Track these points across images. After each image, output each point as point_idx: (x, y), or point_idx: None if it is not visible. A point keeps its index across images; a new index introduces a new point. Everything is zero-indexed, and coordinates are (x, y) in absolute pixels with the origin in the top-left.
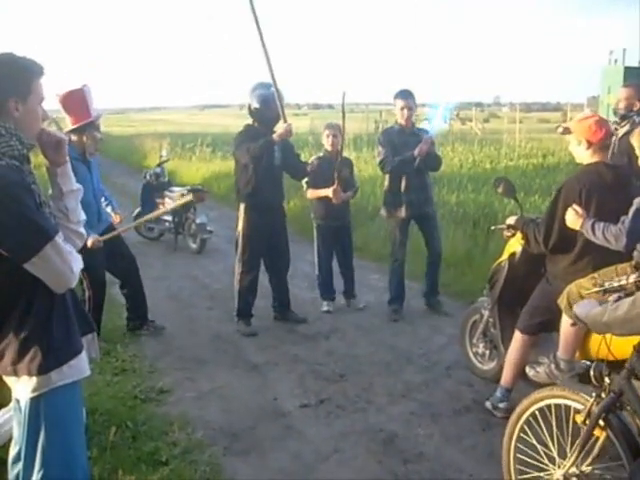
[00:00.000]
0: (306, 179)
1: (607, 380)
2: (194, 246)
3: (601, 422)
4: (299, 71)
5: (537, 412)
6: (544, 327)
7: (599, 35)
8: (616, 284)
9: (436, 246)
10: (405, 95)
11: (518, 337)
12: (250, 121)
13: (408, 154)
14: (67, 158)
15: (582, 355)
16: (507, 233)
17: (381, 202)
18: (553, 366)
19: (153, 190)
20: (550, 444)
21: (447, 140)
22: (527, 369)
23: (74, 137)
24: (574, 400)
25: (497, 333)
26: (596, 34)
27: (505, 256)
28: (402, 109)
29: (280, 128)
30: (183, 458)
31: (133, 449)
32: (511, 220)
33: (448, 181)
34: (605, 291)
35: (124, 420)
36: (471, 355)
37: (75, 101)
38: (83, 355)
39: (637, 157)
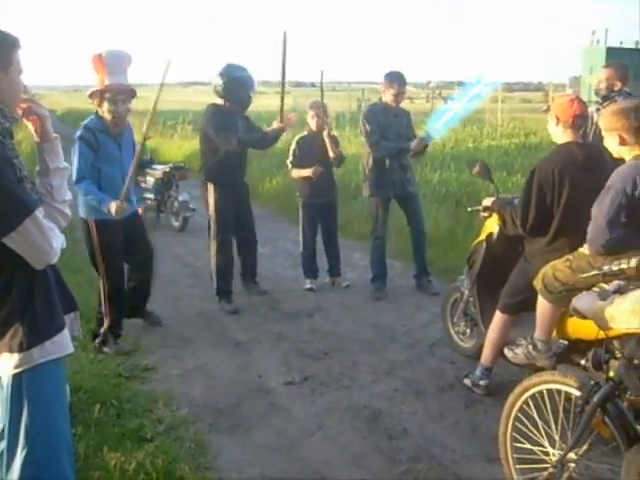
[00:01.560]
0: (290, 158)
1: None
2: (176, 224)
3: (599, 410)
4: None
5: (533, 397)
6: (524, 306)
7: (582, 15)
8: (615, 268)
9: (419, 225)
10: (402, 81)
11: (498, 316)
12: (218, 101)
13: (405, 145)
14: (52, 135)
15: (559, 335)
16: (483, 214)
17: (362, 181)
18: (531, 347)
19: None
20: (547, 430)
21: (428, 118)
22: (505, 350)
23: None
24: (571, 386)
25: (477, 312)
26: (579, 14)
27: (483, 236)
28: (396, 95)
29: (289, 120)
30: (168, 435)
31: (118, 426)
32: (487, 201)
33: (430, 160)
34: (604, 275)
35: (108, 398)
36: (453, 333)
37: (97, 63)
38: (66, 332)
39: (602, 137)
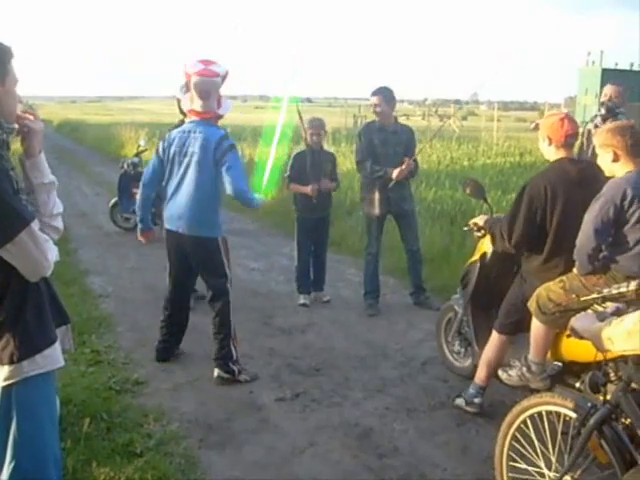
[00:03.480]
0: (287, 172)
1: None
2: None
3: (596, 432)
4: (278, 64)
5: (531, 417)
6: (521, 326)
7: (578, 36)
8: (615, 292)
9: (412, 243)
10: (375, 92)
11: (495, 337)
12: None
13: (388, 170)
14: (37, 150)
15: (553, 357)
16: (477, 233)
17: (359, 197)
18: (525, 369)
19: (130, 180)
20: (544, 451)
21: (425, 137)
22: (499, 372)
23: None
24: (568, 408)
25: (471, 332)
26: (575, 35)
27: (477, 256)
28: (374, 107)
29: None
30: (158, 450)
31: (107, 440)
32: (480, 219)
33: (426, 177)
34: (604, 299)
35: (99, 411)
36: (447, 352)
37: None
38: (57, 346)
39: (597, 155)
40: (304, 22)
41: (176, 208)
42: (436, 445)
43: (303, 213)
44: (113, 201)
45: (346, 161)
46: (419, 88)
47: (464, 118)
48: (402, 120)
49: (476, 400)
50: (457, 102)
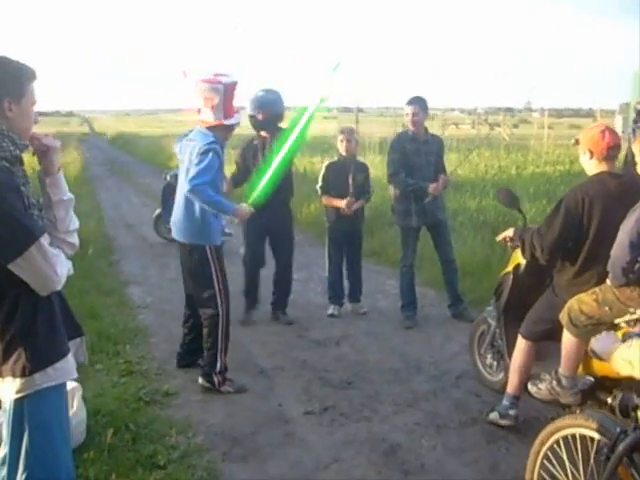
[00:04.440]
0: (320, 184)
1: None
2: None
3: (625, 459)
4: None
5: (564, 438)
6: (547, 335)
7: (633, 39)
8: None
9: (447, 253)
10: (411, 102)
11: (521, 342)
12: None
13: (424, 184)
14: (58, 167)
15: (585, 371)
16: (511, 244)
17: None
18: (555, 382)
19: (173, 191)
20: (575, 474)
21: (473, 145)
22: (529, 385)
23: (217, 131)
24: (597, 432)
25: (503, 344)
26: (633, 37)
27: (510, 267)
28: (408, 115)
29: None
30: (181, 462)
31: (132, 451)
32: (509, 232)
33: (471, 186)
34: (637, 321)
35: (126, 422)
36: (479, 365)
37: (233, 94)
38: (69, 358)
39: (636, 163)
40: (350, 29)
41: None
42: (464, 463)
43: (333, 224)
44: (157, 212)
45: None
46: (471, 96)
47: (515, 126)
48: (451, 129)
49: (511, 412)
50: (509, 110)
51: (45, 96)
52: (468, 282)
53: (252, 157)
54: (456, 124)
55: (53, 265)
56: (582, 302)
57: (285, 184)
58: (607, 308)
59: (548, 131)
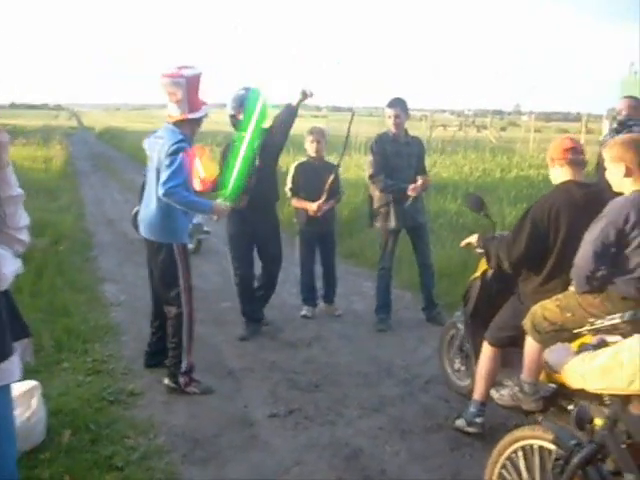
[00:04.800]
0: (289, 185)
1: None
2: (190, 246)
3: (580, 472)
4: (321, 72)
5: (522, 448)
6: (512, 341)
7: (622, 46)
8: (607, 323)
9: (425, 257)
10: (392, 104)
11: (487, 349)
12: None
13: (403, 186)
14: (6, 162)
15: (547, 378)
16: (479, 250)
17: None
18: (517, 389)
19: None
20: None
21: (459, 147)
22: (492, 392)
23: (184, 126)
24: (552, 443)
25: (471, 349)
26: (621, 44)
27: (478, 273)
28: (390, 118)
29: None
30: (140, 464)
31: (91, 452)
32: (472, 238)
33: (454, 189)
34: (597, 331)
35: (87, 422)
36: (448, 370)
37: (197, 87)
38: (14, 359)
39: (606, 169)
40: (342, 31)
41: (141, 212)
42: (426, 469)
43: (305, 227)
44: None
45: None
46: (461, 98)
47: (503, 129)
48: (438, 130)
49: (477, 420)
50: (498, 112)
51: (34, 89)
52: (445, 285)
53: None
54: (444, 126)
55: None
56: (545, 308)
57: (269, 187)
58: (569, 314)
59: (535, 135)
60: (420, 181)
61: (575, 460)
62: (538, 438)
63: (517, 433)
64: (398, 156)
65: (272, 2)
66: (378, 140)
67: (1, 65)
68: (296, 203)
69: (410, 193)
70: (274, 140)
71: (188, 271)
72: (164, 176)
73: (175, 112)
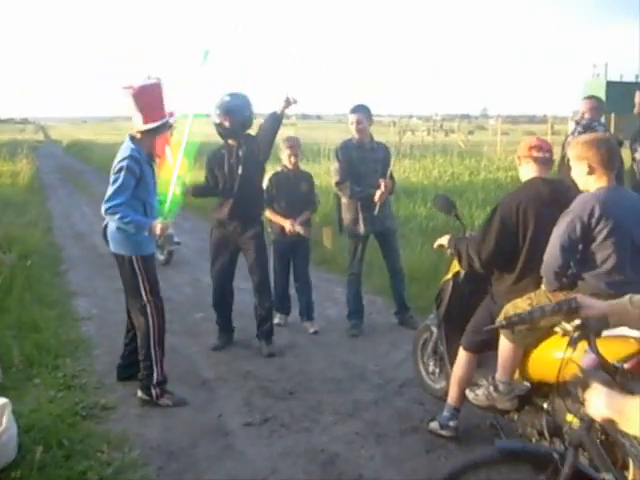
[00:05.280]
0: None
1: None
2: (161, 257)
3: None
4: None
5: None
6: (488, 345)
7: (588, 48)
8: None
9: (395, 262)
10: (355, 110)
11: (462, 354)
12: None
13: (371, 191)
14: None
15: (522, 376)
16: (450, 251)
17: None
18: (492, 388)
19: None
20: None
21: (428, 151)
22: (467, 392)
23: (140, 137)
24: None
25: (444, 351)
26: (582, 47)
27: (450, 274)
28: (352, 124)
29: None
30: (115, 478)
31: (64, 468)
32: (443, 239)
33: (423, 193)
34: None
35: (60, 438)
36: (423, 373)
37: (151, 98)
38: None
39: (571, 167)
40: (319, 34)
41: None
42: (402, 472)
43: (279, 238)
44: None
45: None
46: (429, 103)
47: (470, 132)
48: (407, 136)
49: (451, 423)
50: (466, 117)
51: None
52: (416, 289)
53: (218, 166)
54: (412, 131)
55: None
56: (517, 307)
57: (253, 196)
58: None
59: (502, 137)
60: (382, 186)
61: (566, 469)
62: None
63: None
64: (364, 162)
65: (272, 2)
66: (343, 147)
67: None
68: (270, 216)
69: (376, 200)
70: (259, 148)
71: (151, 283)
72: (107, 193)
73: (134, 124)
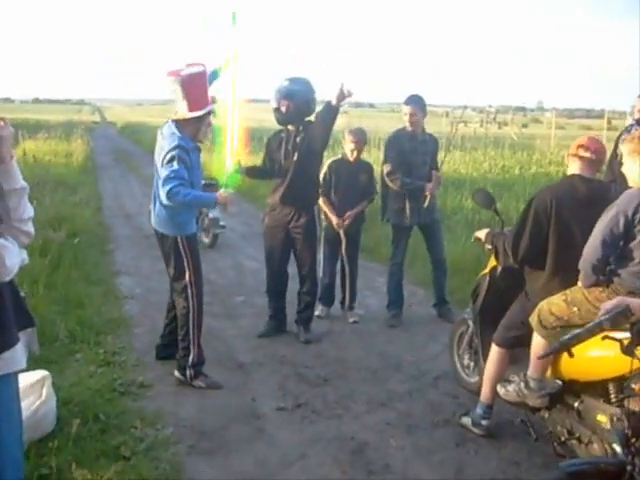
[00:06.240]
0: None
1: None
2: (206, 240)
3: None
4: (343, 68)
5: None
6: (520, 341)
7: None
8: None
9: (438, 253)
10: (409, 101)
11: (494, 350)
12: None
13: (420, 184)
14: (10, 155)
15: (554, 374)
16: (488, 246)
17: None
18: (522, 385)
19: None
20: None
21: (480, 143)
22: (498, 387)
23: (184, 123)
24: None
25: (479, 346)
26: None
27: (487, 269)
28: (406, 115)
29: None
30: (146, 454)
31: (100, 442)
32: (481, 233)
33: (470, 185)
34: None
35: (97, 412)
36: (458, 367)
37: (197, 85)
38: (18, 347)
39: (622, 164)
40: (362, 26)
41: (152, 205)
42: (430, 464)
43: (330, 228)
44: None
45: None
46: (485, 94)
47: (525, 125)
48: (460, 127)
49: (483, 422)
50: (521, 109)
51: (57, 84)
52: (457, 281)
53: (276, 149)
54: (464, 122)
55: (1, 257)
56: (552, 303)
57: (307, 183)
58: (575, 308)
59: (557, 131)
60: (434, 178)
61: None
62: None
63: None
64: (414, 153)
65: (272, 2)
66: (395, 136)
67: (24, 61)
68: (323, 206)
69: (427, 193)
70: (315, 135)
71: (195, 264)
72: (162, 182)
73: (178, 110)
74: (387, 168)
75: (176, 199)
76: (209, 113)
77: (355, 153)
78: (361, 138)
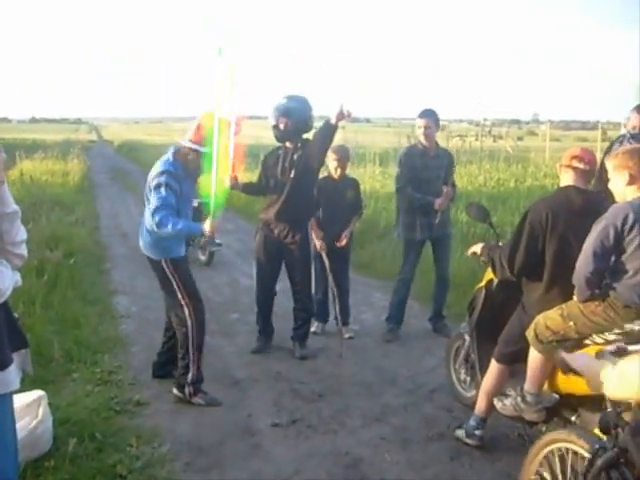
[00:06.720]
0: None
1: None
2: (203, 258)
3: (603, 474)
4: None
5: (552, 452)
6: (519, 356)
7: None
8: (618, 331)
9: (443, 269)
10: (423, 114)
11: (494, 366)
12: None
13: (430, 199)
14: (1, 180)
15: (550, 388)
16: (484, 259)
17: (394, 221)
18: (519, 399)
19: None
20: None
21: (475, 157)
22: (495, 401)
23: (191, 155)
24: (581, 447)
25: (475, 360)
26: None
27: (483, 282)
28: (420, 128)
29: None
30: (142, 472)
31: (96, 460)
32: (476, 247)
33: (467, 199)
34: (607, 341)
35: (93, 431)
36: (454, 381)
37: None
38: (11, 369)
39: (608, 179)
40: (361, 40)
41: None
42: (423, 478)
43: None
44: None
45: (391, 183)
46: (480, 107)
47: (520, 138)
48: (456, 141)
49: (477, 432)
50: (516, 122)
51: (54, 103)
52: (454, 296)
53: (273, 166)
54: (461, 136)
55: None
56: (548, 318)
57: (302, 201)
58: (572, 323)
59: (553, 143)
60: (444, 194)
61: (598, 462)
62: (566, 441)
63: (552, 435)
64: (427, 169)
65: (273, 2)
66: (407, 153)
67: (22, 80)
68: (312, 226)
69: (436, 208)
70: (312, 153)
71: (186, 285)
72: (151, 211)
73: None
74: (397, 184)
75: (165, 230)
76: (204, 156)
77: (339, 170)
78: (344, 155)
